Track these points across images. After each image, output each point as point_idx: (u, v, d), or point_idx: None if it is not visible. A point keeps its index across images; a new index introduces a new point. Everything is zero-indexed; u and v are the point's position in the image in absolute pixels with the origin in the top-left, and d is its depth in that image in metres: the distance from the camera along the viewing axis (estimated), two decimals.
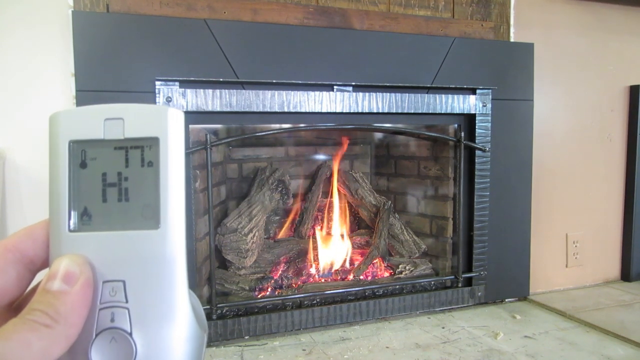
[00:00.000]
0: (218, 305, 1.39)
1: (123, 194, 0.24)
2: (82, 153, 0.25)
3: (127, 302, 0.24)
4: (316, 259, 1.72)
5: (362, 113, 1.48)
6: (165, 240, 0.24)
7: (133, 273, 0.24)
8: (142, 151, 0.24)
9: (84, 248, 0.24)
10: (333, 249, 1.78)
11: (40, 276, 0.24)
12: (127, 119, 0.24)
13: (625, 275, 1.99)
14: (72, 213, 0.24)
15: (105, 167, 0.25)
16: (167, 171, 0.24)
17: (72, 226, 0.24)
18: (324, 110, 1.42)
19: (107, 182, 0.25)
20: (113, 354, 0.23)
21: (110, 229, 0.24)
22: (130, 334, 0.23)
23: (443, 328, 1.50)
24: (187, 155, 1.34)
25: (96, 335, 0.23)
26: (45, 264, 0.24)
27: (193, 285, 1.39)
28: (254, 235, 1.61)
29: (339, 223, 1.87)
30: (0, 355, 0.19)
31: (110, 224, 0.24)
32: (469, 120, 1.62)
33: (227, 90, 1.32)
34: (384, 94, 1.48)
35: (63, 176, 0.24)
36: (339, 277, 1.68)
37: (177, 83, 1.28)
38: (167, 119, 0.24)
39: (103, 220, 0.24)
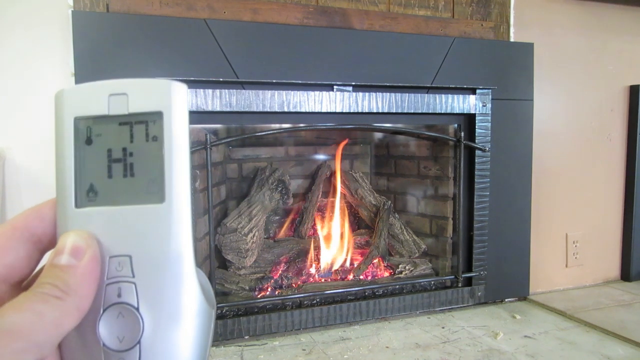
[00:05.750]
0: (218, 305, 1.39)
1: (128, 170, 0.24)
2: (87, 129, 0.25)
3: (133, 276, 0.23)
4: (316, 258, 1.72)
5: (362, 113, 1.48)
6: (171, 214, 0.24)
7: (139, 248, 0.24)
8: (147, 126, 0.24)
9: (90, 224, 0.24)
10: (333, 248, 1.78)
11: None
12: (131, 94, 0.24)
13: (625, 275, 1.99)
14: (78, 189, 0.24)
15: (111, 143, 0.25)
16: (172, 145, 0.24)
17: (78, 202, 0.24)
18: (324, 110, 1.42)
19: (112, 157, 0.25)
20: (121, 329, 0.23)
21: (115, 204, 0.24)
22: (137, 309, 0.23)
23: (443, 328, 1.50)
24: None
25: (104, 311, 0.23)
26: (53, 242, 0.25)
27: None
28: (253, 235, 1.61)
29: (338, 223, 1.86)
30: (14, 326, 0.20)
31: (115, 199, 0.24)
32: (469, 120, 1.62)
33: (227, 90, 1.32)
34: (384, 94, 1.48)
35: (69, 153, 0.24)
36: (338, 277, 1.68)
37: None
38: (170, 92, 0.24)
39: (109, 196, 0.24)
